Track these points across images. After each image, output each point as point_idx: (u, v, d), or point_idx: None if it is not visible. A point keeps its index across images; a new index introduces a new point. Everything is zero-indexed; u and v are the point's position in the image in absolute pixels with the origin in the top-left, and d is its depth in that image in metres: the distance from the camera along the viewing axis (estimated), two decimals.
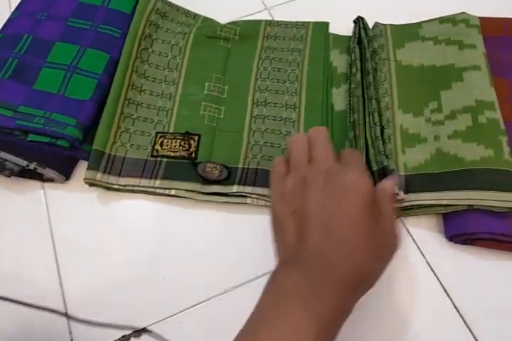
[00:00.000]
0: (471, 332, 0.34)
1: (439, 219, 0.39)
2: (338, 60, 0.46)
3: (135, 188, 0.39)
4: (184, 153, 0.40)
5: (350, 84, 0.43)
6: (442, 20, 0.46)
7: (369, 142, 0.39)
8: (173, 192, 0.39)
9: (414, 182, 0.38)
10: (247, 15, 0.51)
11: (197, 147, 0.41)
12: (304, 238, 0.28)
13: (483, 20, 0.46)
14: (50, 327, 0.35)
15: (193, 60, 0.46)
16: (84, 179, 0.38)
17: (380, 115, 0.41)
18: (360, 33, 0.46)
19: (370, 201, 0.28)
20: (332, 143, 0.40)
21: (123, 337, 0.34)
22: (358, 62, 0.43)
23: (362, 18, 0.47)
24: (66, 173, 0.40)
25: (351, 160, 0.32)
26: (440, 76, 0.42)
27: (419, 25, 0.47)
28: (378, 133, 0.39)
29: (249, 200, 0.39)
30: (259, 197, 0.39)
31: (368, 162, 0.38)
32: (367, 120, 0.40)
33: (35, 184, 0.41)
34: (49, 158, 0.39)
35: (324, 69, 0.45)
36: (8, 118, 0.38)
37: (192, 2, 0.50)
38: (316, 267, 0.27)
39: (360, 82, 0.42)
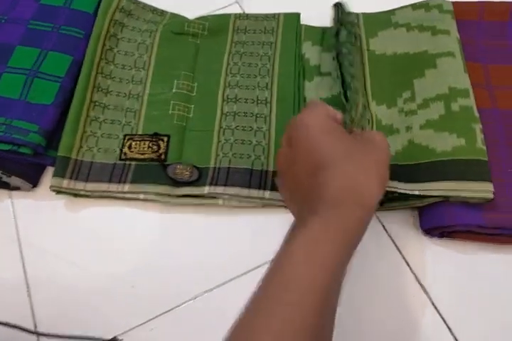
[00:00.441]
0: (447, 326, 0.34)
1: (415, 214, 0.38)
2: (311, 52, 0.45)
3: (104, 194, 0.38)
4: (153, 155, 0.39)
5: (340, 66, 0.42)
6: (415, 6, 0.44)
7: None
8: (141, 196, 0.38)
9: None
10: (217, 10, 0.50)
11: (166, 148, 0.40)
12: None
13: (457, 4, 0.45)
14: None
15: (160, 58, 0.45)
16: (50, 187, 0.37)
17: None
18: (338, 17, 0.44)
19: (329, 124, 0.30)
20: None
21: None
22: (349, 45, 0.42)
23: (341, 4, 0.45)
24: (33, 181, 0.39)
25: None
26: (413, 63, 0.41)
27: (392, 12, 0.45)
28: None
29: (220, 201, 0.38)
30: (231, 197, 0.38)
31: None
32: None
33: (2, 193, 0.40)
34: (14, 166, 0.38)
35: (296, 61, 0.44)
36: None
37: None
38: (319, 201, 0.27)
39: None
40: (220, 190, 0.37)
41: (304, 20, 0.47)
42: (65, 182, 0.37)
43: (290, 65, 0.44)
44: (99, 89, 0.42)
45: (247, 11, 0.50)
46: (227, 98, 0.43)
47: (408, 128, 0.38)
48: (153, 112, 0.42)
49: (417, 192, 0.35)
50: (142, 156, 0.39)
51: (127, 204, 0.39)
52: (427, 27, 0.42)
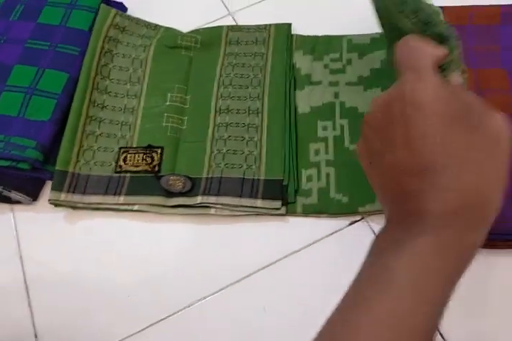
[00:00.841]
0: (438, 330, 0.34)
1: None
2: (302, 62, 0.46)
3: (100, 206, 0.39)
4: (147, 167, 0.40)
5: None
6: None
7: None
8: (136, 207, 0.39)
9: None
10: (210, 22, 0.51)
11: (160, 160, 0.41)
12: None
13: (448, 9, 0.45)
14: None
15: (154, 71, 0.46)
16: (49, 200, 0.39)
17: None
18: None
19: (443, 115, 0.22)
20: (297, 144, 0.41)
21: None
22: None
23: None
24: (33, 195, 0.41)
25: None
26: None
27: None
28: None
29: (212, 211, 0.39)
30: (223, 206, 0.39)
31: None
32: None
33: (4, 206, 0.41)
34: (14, 181, 0.40)
35: (286, 71, 0.45)
36: None
37: (154, 13, 0.50)
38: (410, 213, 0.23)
39: None
40: (212, 199, 0.38)
41: (296, 29, 0.48)
42: (63, 196, 0.39)
43: (281, 74, 0.45)
44: (95, 104, 0.43)
45: (240, 23, 0.51)
46: (220, 109, 0.44)
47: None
48: (148, 125, 0.43)
49: None
50: (136, 168, 0.40)
51: (123, 215, 0.40)
52: None
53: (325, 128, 0.42)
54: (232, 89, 0.45)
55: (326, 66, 0.45)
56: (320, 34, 0.47)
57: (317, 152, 0.41)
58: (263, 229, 0.39)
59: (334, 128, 0.42)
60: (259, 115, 0.43)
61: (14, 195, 0.39)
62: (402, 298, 0.21)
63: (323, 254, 0.37)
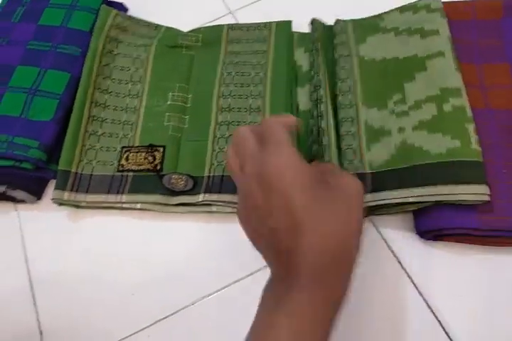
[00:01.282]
0: (443, 328, 0.34)
1: (408, 216, 0.38)
2: (303, 59, 0.46)
3: (103, 205, 0.40)
4: (149, 166, 0.40)
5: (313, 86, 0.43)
6: (403, 8, 0.44)
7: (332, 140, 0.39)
8: (138, 206, 0.39)
9: (380, 181, 0.37)
10: (211, 21, 0.51)
11: (162, 159, 0.41)
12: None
13: (449, 4, 0.44)
14: None
15: (155, 71, 0.46)
16: (52, 199, 0.39)
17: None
18: (313, 35, 0.45)
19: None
20: (298, 142, 0.41)
21: None
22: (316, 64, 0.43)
23: (314, 19, 0.46)
24: (37, 194, 0.41)
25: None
26: (403, 68, 0.41)
27: (380, 16, 0.45)
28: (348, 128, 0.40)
29: (214, 208, 0.39)
30: (225, 204, 0.39)
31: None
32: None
33: (8, 205, 0.42)
34: (18, 180, 0.40)
35: (288, 69, 0.45)
36: None
37: (155, 13, 0.51)
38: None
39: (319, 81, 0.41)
40: (214, 197, 0.38)
41: (297, 27, 0.48)
42: (66, 195, 0.39)
43: (282, 72, 0.45)
44: (97, 104, 0.43)
45: (241, 21, 0.51)
46: (221, 108, 0.44)
47: (400, 129, 0.38)
48: (149, 124, 0.43)
49: (411, 199, 0.34)
50: (139, 167, 0.41)
51: (126, 214, 0.40)
52: (416, 30, 0.42)
53: None
54: (233, 87, 0.45)
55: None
56: None
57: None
58: None
59: None
60: (261, 113, 0.43)
61: (18, 193, 0.40)
62: None
63: None
